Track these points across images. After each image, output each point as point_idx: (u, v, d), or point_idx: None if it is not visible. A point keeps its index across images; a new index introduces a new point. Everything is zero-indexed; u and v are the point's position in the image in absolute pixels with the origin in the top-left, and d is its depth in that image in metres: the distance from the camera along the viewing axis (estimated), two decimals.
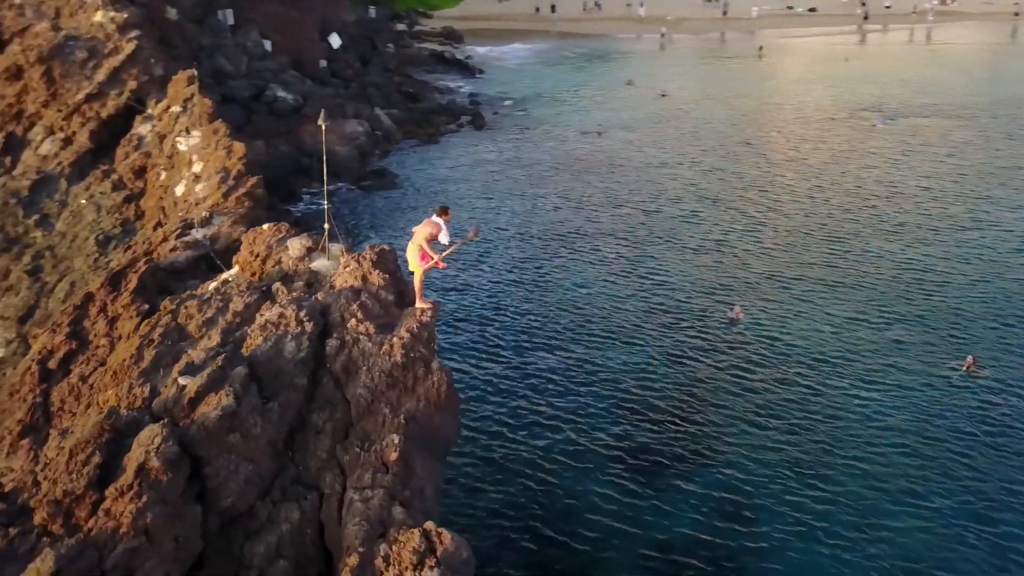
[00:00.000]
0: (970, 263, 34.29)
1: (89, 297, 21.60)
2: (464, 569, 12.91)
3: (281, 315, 15.85)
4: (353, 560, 12.88)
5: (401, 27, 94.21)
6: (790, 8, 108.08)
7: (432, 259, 16.16)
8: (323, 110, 21.00)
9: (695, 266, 34.71)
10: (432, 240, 16.03)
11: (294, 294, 17.06)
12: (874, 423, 23.96)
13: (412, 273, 16.86)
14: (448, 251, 16.59)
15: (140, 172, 34.19)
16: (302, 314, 15.86)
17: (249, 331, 15.88)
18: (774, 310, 30.60)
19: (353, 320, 15.94)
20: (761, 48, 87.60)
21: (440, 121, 59.31)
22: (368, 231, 39.23)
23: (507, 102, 66.73)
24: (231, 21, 52.37)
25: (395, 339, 15.50)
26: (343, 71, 65.85)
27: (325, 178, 20.32)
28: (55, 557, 11.97)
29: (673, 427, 24.01)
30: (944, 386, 25.72)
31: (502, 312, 31.12)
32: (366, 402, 15.05)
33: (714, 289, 32.43)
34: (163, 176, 32.67)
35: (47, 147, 36.60)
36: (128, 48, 37.83)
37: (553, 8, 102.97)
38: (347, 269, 17.56)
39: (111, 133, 36.63)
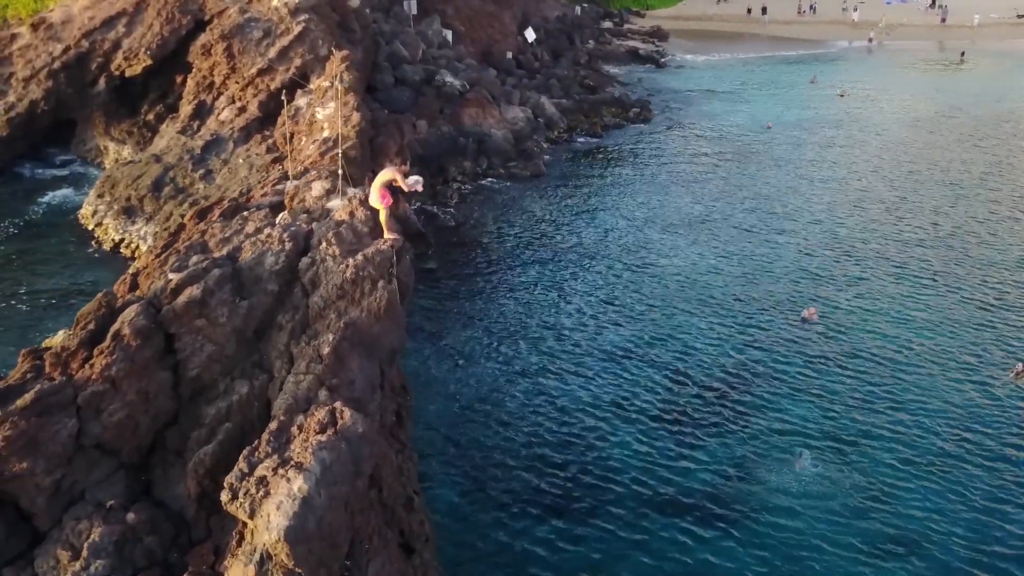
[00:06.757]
0: None
1: (181, 227, 25.95)
2: (356, 440, 15.74)
3: (268, 235, 19.30)
4: (274, 425, 15.98)
5: (607, 25, 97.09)
6: (1021, 17, 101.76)
7: (389, 200, 19.15)
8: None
9: (799, 263, 35.26)
10: (395, 184, 19.01)
11: (287, 222, 20.49)
12: (918, 425, 24.22)
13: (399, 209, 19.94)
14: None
15: (289, 138, 38.94)
16: (284, 235, 19.23)
17: (243, 246, 19.43)
18: (858, 318, 30.62)
19: (324, 244, 19.15)
20: (963, 54, 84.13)
21: (607, 112, 61.56)
22: (483, 205, 42.48)
23: (684, 95, 68.14)
24: (414, 11, 56.96)
25: (351, 260, 18.59)
26: (530, 63, 69.54)
27: (340, 134, 23.58)
28: (38, 389, 15.86)
29: (712, 401, 25.43)
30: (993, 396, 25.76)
31: (601, 282, 33.60)
32: (319, 308, 18.19)
33: (809, 289, 32.84)
34: (303, 141, 37.21)
35: (226, 114, 42.26)
36: (296, 29, 42.88)
37: (764, 10, 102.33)
38: (343, 206, 20.82)
39: (278, 104, 41.71)
